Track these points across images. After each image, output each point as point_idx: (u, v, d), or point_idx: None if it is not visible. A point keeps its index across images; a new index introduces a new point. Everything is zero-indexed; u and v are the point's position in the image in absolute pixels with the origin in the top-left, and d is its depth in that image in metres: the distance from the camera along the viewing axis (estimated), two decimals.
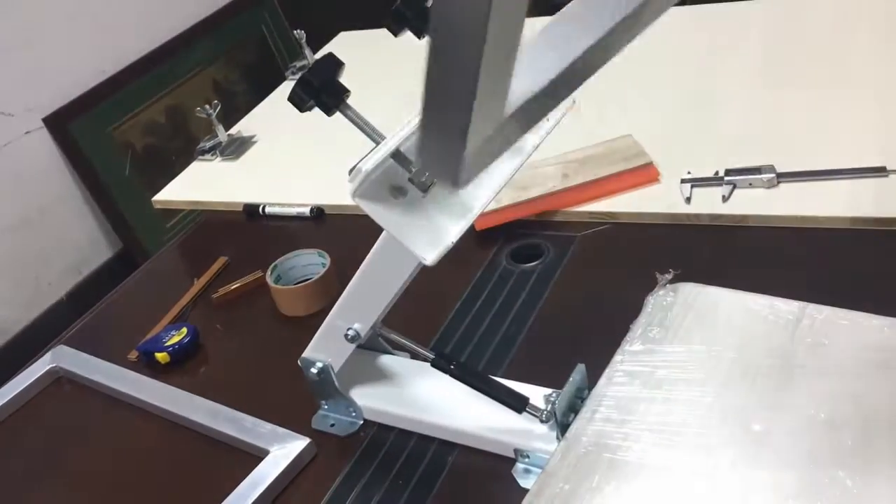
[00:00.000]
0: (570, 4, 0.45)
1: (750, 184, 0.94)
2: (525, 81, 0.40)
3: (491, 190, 0.63)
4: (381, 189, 0.57)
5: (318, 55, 1.56)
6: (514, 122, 0.40)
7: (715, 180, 0.96)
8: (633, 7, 0.46)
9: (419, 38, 0.64)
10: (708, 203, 0.94)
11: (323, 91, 0.57)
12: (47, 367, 0.97)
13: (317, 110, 0.58)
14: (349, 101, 0.57)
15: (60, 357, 0.99)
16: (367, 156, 0.56)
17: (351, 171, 0.56)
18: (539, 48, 0.41)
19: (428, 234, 0.59)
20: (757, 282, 0.78)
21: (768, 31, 1.28)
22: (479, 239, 1.00)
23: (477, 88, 0.36)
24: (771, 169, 0.93)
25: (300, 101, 0.57)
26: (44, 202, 2.25)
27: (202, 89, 2.64)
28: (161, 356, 0.94)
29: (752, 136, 1.03)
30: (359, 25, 1.68)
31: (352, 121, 0.57)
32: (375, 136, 0.57)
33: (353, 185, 0.56)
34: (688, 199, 0.95)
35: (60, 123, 2.26)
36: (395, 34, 0.64)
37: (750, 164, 0.95)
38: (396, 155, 0.56)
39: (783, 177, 0.93)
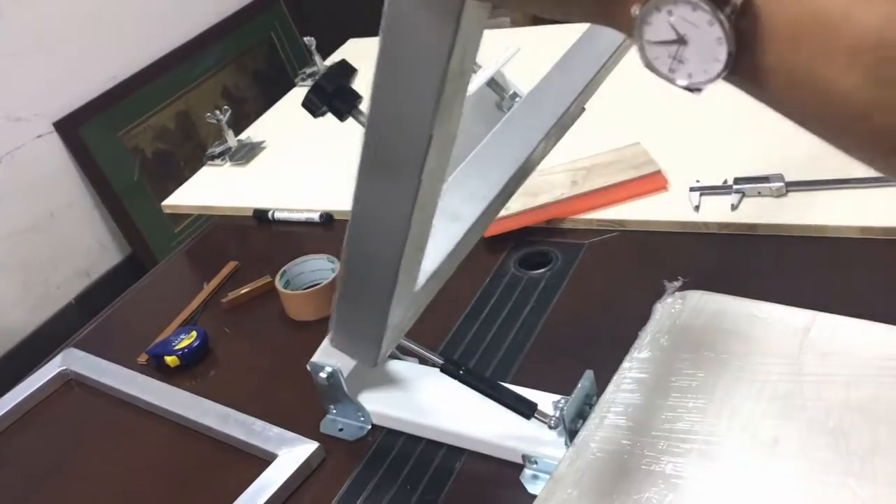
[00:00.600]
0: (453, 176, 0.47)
1: (759, 192, 0.94)
2: (428, 261, 0.42)
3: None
4: None
5: (328, 62, 1.57)
6: (423, 292, 0.42)
7: (724, 189, 0.96)
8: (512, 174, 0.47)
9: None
10: (717, 211, 0.94)
11: (336, 97, 0.57)
12: (57, 370, 0.98)
13: (328, 116, 0.58)
14: (362, 106, 0.58)
15: (70, 359, 0.99)
16: None
17: None
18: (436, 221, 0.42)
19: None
20: (765, 290, 0.78)
21: None
22: (487, 246, 1.00)
23: (392, 300, 0.38)
24: (780, 178, 0.94)
25: (314, 106, 0.57)
26: (54, 206, 2.26)
27: (212, 95, 2.65)
28: (171, 359, 0.94)
29: (762, 145, 1.03)
30: (368, 32, 1.69)
31: (364, 126, 0.58)
32: None
33: None
34: (696, 208, 0.95)
35: (71, 128, 2.28)
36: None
37: (759, 172, 0.95)
38: None
39: (792, 185, 0.93)
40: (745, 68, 0.30)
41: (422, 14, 0.32)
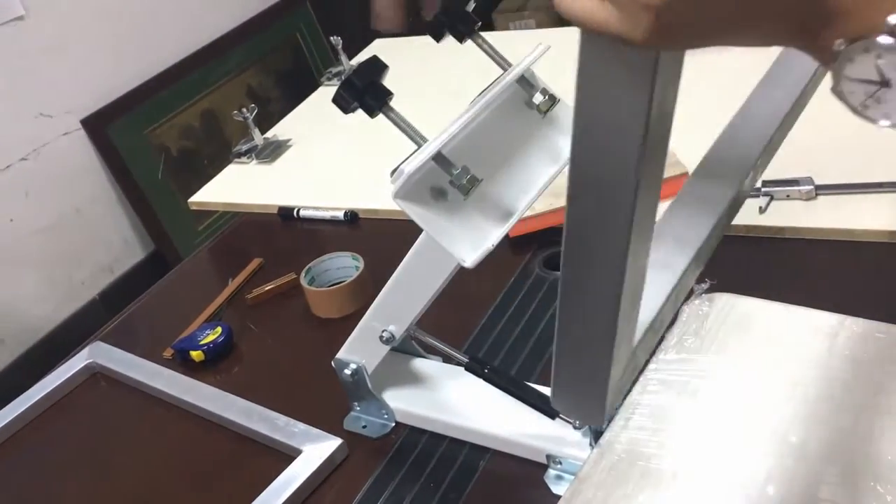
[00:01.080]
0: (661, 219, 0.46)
1: (787, 195, 0.93)
2: (644, 313, 0.41)
3: (531, 195, 0.63)
4: (422, 191, 0.58)
5: (354, 61, 1.57)
6: (641, 346, 0.41)
7: (752, 191, 0.95)
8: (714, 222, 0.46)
9: (461, 42, 0.65)
10: (745, 214, 0.93)
11: (367, 93, 0.57)
12: (84, 363, 0.99)
13: (356, 114, 0.59)
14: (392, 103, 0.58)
15: (97, 353, 1.00)
16: (409, 158, 0.56)
17: (393, 172, 0.56)
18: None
19: (468, 236, 0.59)
20: (794, 294, 0.77)
21: None
22: (512, 246, 1.00)
23: (616, 335, 0.37)
24: (809, 181, 0.93)
25: (345, 102, 0.57)
26: (79, 202, 2.29)
27: (237, 94, 2.67)
28: (196, 354, 0.95)
29: (791, 147, 1.02)
30: (392, 33, 1.70)
31: (395, 122, 0.58)
32: (417, 139, 0.58)
33: (395, 186, 0.56)
34: None
35: (98, 126, 2.30)
36: (438, 40, 0.65)
37: (788, 175, 0.94)
38: (438, 157, 0.57)
39: (822, 189, 0.92)
40: None
41: (617, 71, 0.32)
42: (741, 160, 0.50)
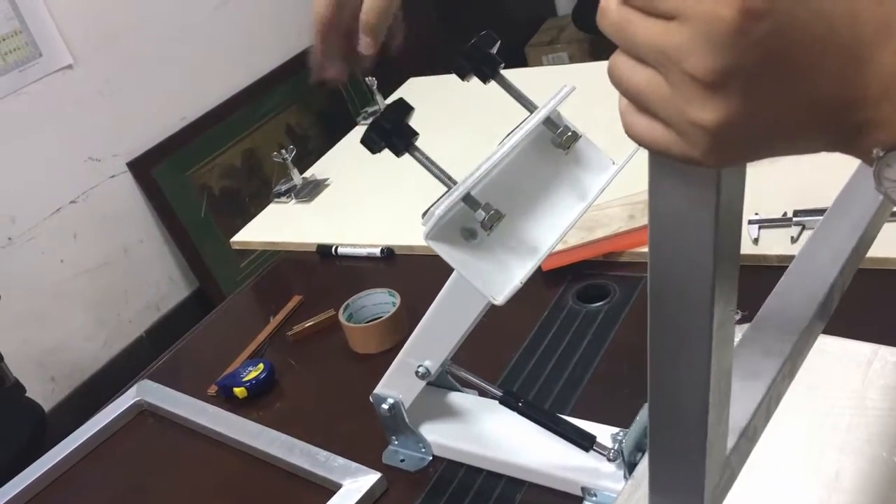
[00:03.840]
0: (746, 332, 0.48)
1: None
2: (735, 419, 0.42)
3: (558, 232, 0.65)
4: (452, 231, 0.60)
5: (389, 100, 1.61)
6: (735, 455, 0.42)
7: (783, 221, 0.96)
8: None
9: (485, 82, 0.67)
10: (776, 244, 0.94)
11: (394, 134, 0.60)
12: (132, 401, 1.02)
13: (387, 153, 0.61)
14: (418, 143, 0.61)
15: (144, 391, 1.04)
16: (439, 199, 0.58)
17: (424, 214, 0.58)
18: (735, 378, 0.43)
19: (498, 275, 0.61)
20: (826, 324, 0.77)
21: None
22: (545, 279, 1.02)
23: (706, 442, 0.39)
24: None
25: (372, 142, 0.60)
26: (126, 242, 2.36)
27: (276, 134, 2.73)
28: (239, 391, 0.98)
29: (823, 177, 1.02)
30: (427, 72, 1.73)
31: (420, 162, 0.61)
32: (443, 178, 0.60)
33: (426, 227, 0.58)
34: (755, 240, 0.95)
35: (144, 168, 2.38)
36: (463, 79, 0.67)
37: (820, 204, 0.95)
38: (467, 198, 0.59)
39: None
40: None
41: (683, 185, 0.35)
42: (830, 263, 0.52)
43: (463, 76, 0.66)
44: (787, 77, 0.31)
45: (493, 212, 0.58)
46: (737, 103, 0.31)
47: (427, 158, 0.60)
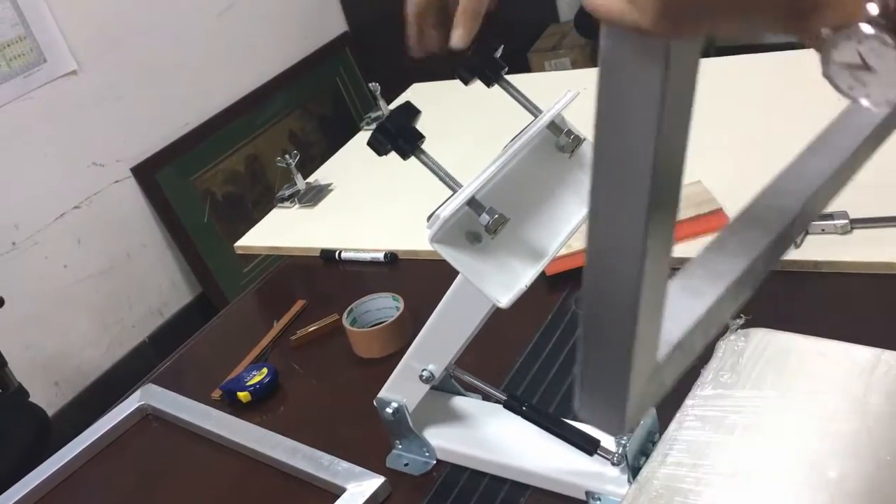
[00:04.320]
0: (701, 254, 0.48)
1: (822, 230, 0.93)
2: (670, 332, 0.43)
3: (562, 236, 0.65)
4: (457, 235, 0.60)
5: (392, 106, 1.62)
6: (667, 364, 0.43)
7: (796, 237, 0.96)
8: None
9: (488, 86, 0.68)
10: None
11: (400, 136, 0.60)
12: (137, 405, 1.02)
13: (393, 158, 0.61)
14: (424, 146, 0.61)
15: (148, 395, 1.04)
16: (444, 203, 0.59)
17: (429, 217, 0.59)
18: (677, 296, 0.43)
19: (502, 278, 0.61)
20: (829, 328, 0.77)
21: None
22: (549, 284, 1.02)
23: (634, 342, 0.39)
24: (844, 215, 0.93)
25: (379, 145, 0.60)
26: (130, 248, 2.36)
27: (279, 139, 2.74)
28: (243, 395, 0.98)
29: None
30: (430, 77, 1.74)
31: (426, 165, 0.61)
32: (449, 181, 0.60)
33: (431, 230, 0.58)
34: None
35: (147, 173, 2.38)
36: (466, 83, 0.68)
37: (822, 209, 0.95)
38: (472, 202, 0.59)
39: (857, 223, 0.93)
40: None
41: (633, 61, 0.35)
42: (783, 211, 0.52)
43: (466, 81, 0.67)
44: None
45: (497, 215, 0.59)
46: None
47: (433, 162, 0.60)
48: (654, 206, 0.36)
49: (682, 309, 0.45)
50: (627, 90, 0.35)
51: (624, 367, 0.41)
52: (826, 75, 0.34)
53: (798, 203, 0.53)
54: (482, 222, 0.59)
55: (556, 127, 0.67)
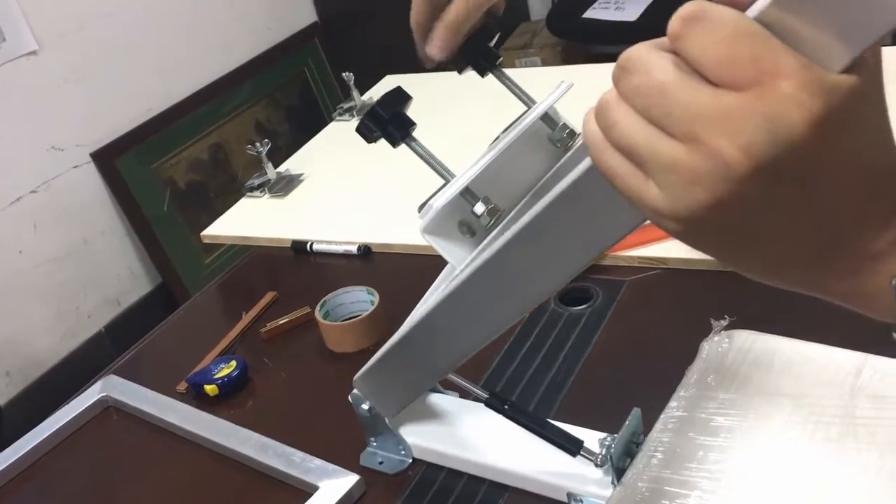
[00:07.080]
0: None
1: None
2: None
3: None
4: (450, 226, 0.58)
5: (365, 97, 1.59)
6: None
7: None
8: None
9: (482, 76, 0.66)
10: None
11: (391, 123, 0.58)
12: (97, 397, 0.98)
13: (369, 150, 0.59)
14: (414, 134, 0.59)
15: (110, 386, 1.00)
16: (437, 192, 0.56)
17: (420, 208, 0.56)
18: None
19: None
20: (814, 331, 0.77)
21: None
22: None
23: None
24: None
25: (368, 131, 0.58)
26: (87, 234, 2.30)
27: (245, 129, 2.69)
28: (210, 388, 0.94)
29: None
30: (402, 69, 1.71)
31: (417, 153, 0.59)
32: (441, 170, 0.58)
33: (423, 221, 0.56)
34: None
35: (108, 159, 2.32)
36: (460, 72, 0.66)
37: None
38: (466, 192, 0.57)
39: None
40: None
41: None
42: None
43: (460, 69, 0.65)
44: (793, 212, 0.34)
45: (492, 206, 0.57)
46: (738, 230, 0.34)
47: (425, 150, 0.58)
48: None
49: None
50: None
51: (427, 383, 0.41)
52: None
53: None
54: (477, 212, 0.57)
55: (550, 119, 0.65)
